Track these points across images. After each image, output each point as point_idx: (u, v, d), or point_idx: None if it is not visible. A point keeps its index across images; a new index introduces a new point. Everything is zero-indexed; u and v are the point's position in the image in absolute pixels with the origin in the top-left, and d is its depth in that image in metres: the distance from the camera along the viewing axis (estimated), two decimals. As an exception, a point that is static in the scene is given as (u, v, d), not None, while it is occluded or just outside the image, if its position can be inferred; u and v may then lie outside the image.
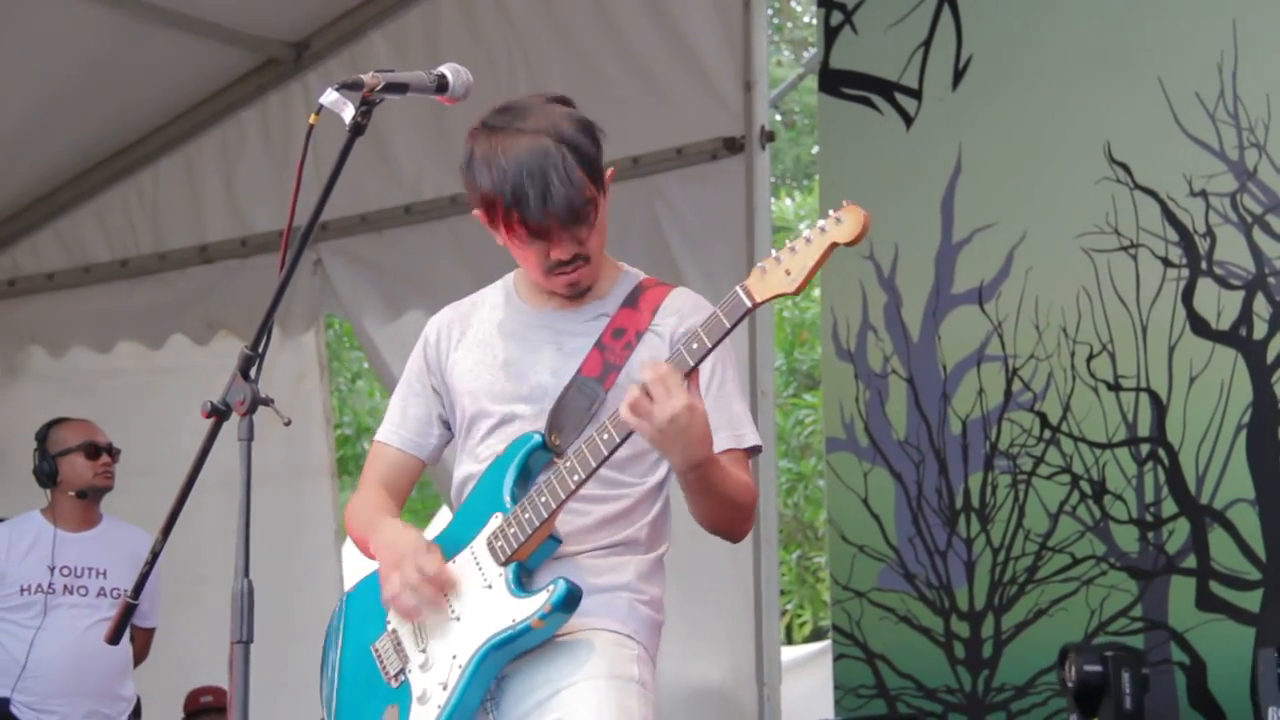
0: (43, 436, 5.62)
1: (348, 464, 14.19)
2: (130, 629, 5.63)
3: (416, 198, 6.65)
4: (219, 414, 2.67)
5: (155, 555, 2.75)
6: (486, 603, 2.76)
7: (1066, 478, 5.03)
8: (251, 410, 2.63)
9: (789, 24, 17.29)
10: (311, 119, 2.69)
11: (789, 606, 14.04)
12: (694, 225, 5.89)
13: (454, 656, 2.77)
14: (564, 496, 2.71)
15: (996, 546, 5.15)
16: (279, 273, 2.73)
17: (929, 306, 5.31)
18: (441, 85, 2.77)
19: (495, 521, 2.79)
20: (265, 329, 2.70)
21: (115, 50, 6.62)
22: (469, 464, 2.94)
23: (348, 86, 2.71)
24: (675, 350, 2.64)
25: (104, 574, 5.46)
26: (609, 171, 2.89)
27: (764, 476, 5.97)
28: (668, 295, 2.91)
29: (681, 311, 2.87)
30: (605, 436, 2.68)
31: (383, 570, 2.86)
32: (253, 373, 2.67)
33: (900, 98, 5.38)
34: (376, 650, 2.90)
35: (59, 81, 6.72)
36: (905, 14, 5.38)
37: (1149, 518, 4.88)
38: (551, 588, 2.70)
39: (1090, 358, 5.01)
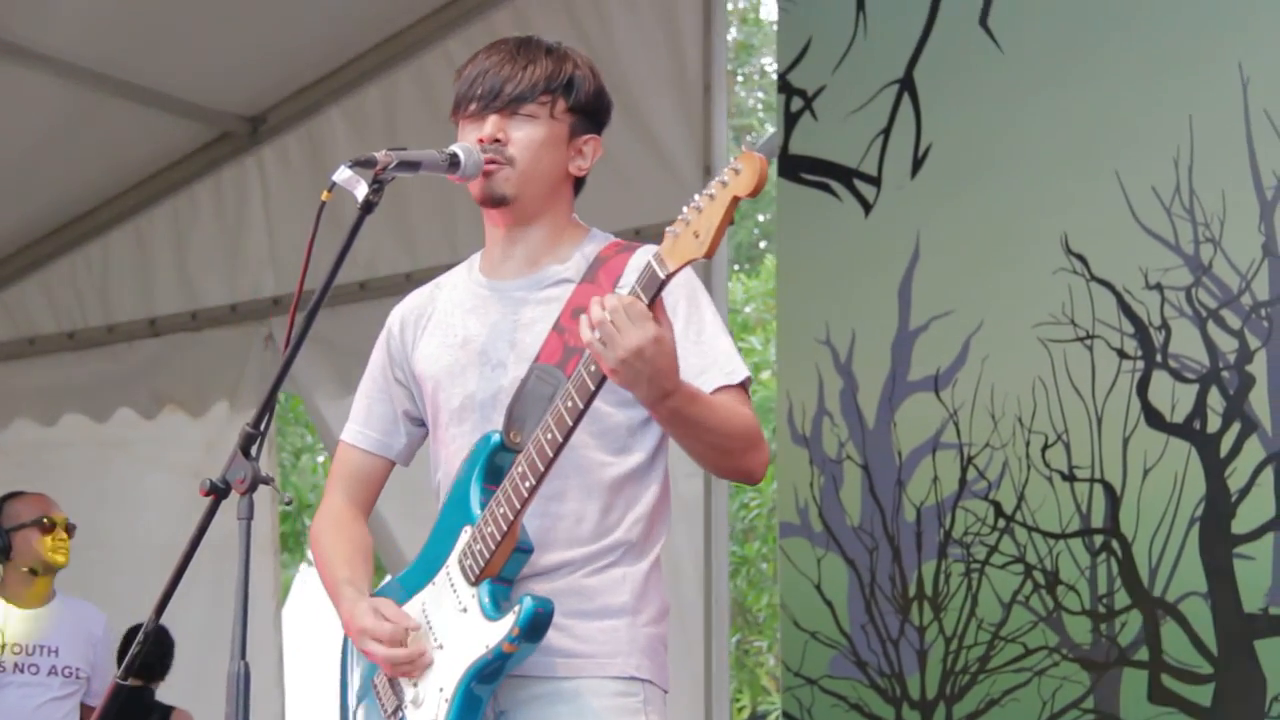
0: (-4, 510, 5.54)
1: (288, 540, 14.08)
2: (81, 708, 5.54)
3: (371, 274, 6.63)
4: (218, 492, 2.63)
5: (148, 636, 2.68)
6: (463, 628, 2.66)
7: (1020, 567, 5.03)
8: (252, 489, 2.60)
9: (733, 109, 17.44)
10: (324, 196, 2.66)
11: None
12: (651, 306, 5.90)
13: (440, 690, 2.66)
14: (519, 506, 2.61)
15: (949, 635, 5.13)
16: (282, 351, 2.68)
17: (885, 393, 5.32)
18: (454, 163, 2.74)
19: (465, 536, 2.69)
20: (268, 406, 2.64)
21: (68, 120, 6.60)
22: (440, 461, 2.85)
23: (360, 164, 2.68)
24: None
25: (55, 652, 5.37)
26: (590, 139, 2.83)
27: (716, 562, 5.95)
28: (628, 262, 2.78)
29: (641, 270, 2.72)
30: (549, 436, 2.57)
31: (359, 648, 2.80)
32: (254, 450, 2.61)
33: (859, 184, 5.41)
34: (375, 685, 2.81)
35: (9, 151, 6.68)
36: (865, 102, 5.41)
37: (1101, 609, 4.88)
38: (517, 608, 2.59)
39: (1045, 448, 5.02)
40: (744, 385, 2.75)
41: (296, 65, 6.69)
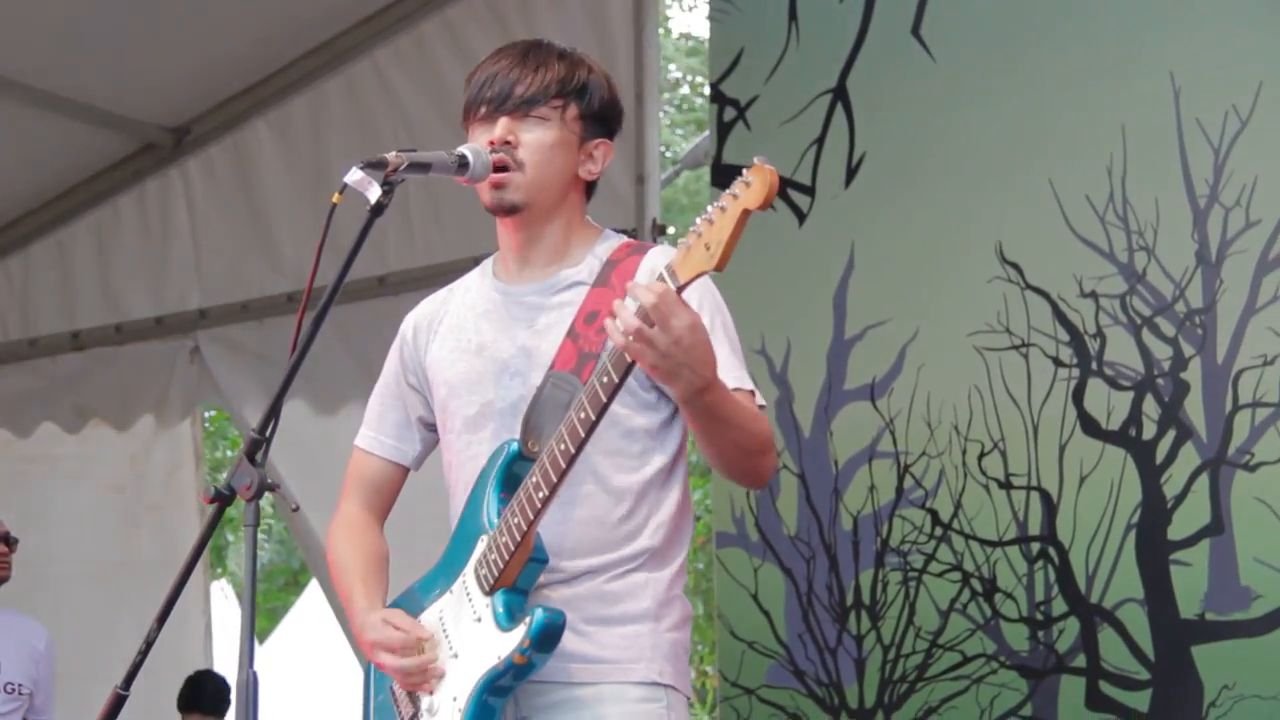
0: (-64, 526, 5.45)
1: (212, 555, 13.94)
2: (23, 724, 5.47)
3: (299, 285, 6.56)
4: (222, 499, 2.56)
5: (149, 644, 2.63)
6: (478, 637, 2.64)
7: (957, 575, 5.04)
8: (258, 495, 2.53)
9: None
10: (335, 198, 2.62)
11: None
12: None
13: (454, 699, 2.65)
14: (533, 516, 2.59)
15: (887, 644, 5.14)
16: (290, 355, 2.64)
17: (821, 402, 5.32)
18: (462, 165, 2.73)
19: (481, 545, 2.67)
20: (274, 412, 2.60)
21: (-12, 131, 6.50)
22: (451, 467, 2.83)
23: (371, 165, 2.65)
24: (612, 349, 2.50)
25: None
26: (601, 143, 2.82)
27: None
28: (640, 264, 2.76)
29: (656, 270, 2.67)
30: (562, 447, 2.55)
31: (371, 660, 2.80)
32: (259, 457, 2.56)
33: (793, 194, 5.41)
34: (393, 693, 2.79)
35: (-71, 162, 6.58)
36: (798, 112, 5.41)
37: (1039, 616, 4.90)
38: (528, 619, 2.57)
39: (981, 455, 5.03)
40: (751, 394, 2.74)
41: (221, 76, 6.62)
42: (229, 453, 14.52)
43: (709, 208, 2.43)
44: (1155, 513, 4.73)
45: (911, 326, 5.18)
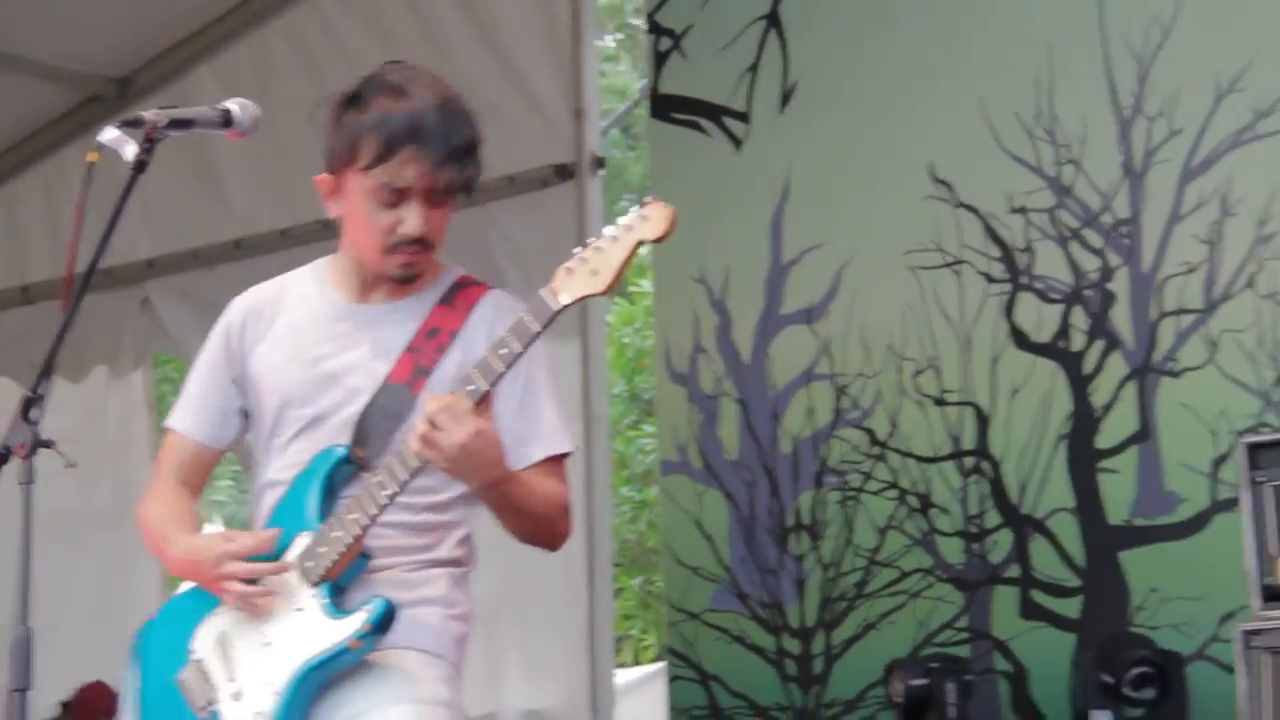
0: None
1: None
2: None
3: (249, 231, 6.58)
4: None
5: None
6: (299, 626, 2.73)
7: (894, 493, 5.09)
8: (32, 453, 2.58)
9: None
10: (91, 156, 2.65)
11: (634, 631, 14.11)
12: (528, 253, 5.87)
13: (268, 683, 2.72)
14: (375, 512, 2.68)
15: (827, 563, 5.19)
16: (60, 315, 2.67)
17: (759, 327, 5.36)
18: (226, 120, 2.75)
19: (303, 541, 2.75)
20: (46, 371, 2.67)
21: (-68, 89, 6.51)
22: (273, 469, 2.88)
23: (129, 124, 2.69)
24: (482, 360, 2.60)
25: None
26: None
27: (599, 503, 5.97)
28: (484, 296, 2.86)
29: (500, 311, 2.80)
30: (411, 464, 2.66)
31: (204, 585, 2.82)
32: (34, 414, 2.61)
33: (729, 121, 5.45)
34: (181, 681, 2.83)
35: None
36: (733, 39, 5.45)
37: (973, 529, 4.95)
38: (369, 607, 2.68)
39: (917, 374, 5.08)
40: (564, 456, 2.85)
41: (163, 24, 6.62)
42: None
43: (593, 238, 2.54)
44: (1084, 422, 4.79)
45: (848, 249, 5.22)
